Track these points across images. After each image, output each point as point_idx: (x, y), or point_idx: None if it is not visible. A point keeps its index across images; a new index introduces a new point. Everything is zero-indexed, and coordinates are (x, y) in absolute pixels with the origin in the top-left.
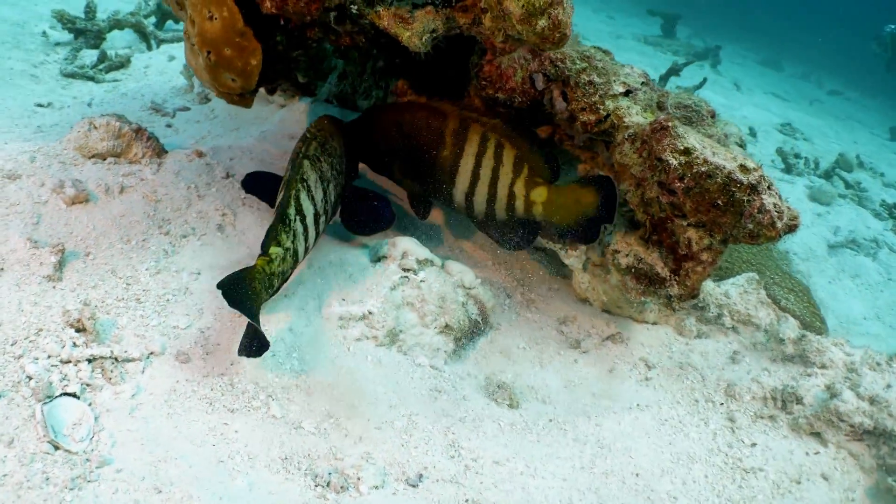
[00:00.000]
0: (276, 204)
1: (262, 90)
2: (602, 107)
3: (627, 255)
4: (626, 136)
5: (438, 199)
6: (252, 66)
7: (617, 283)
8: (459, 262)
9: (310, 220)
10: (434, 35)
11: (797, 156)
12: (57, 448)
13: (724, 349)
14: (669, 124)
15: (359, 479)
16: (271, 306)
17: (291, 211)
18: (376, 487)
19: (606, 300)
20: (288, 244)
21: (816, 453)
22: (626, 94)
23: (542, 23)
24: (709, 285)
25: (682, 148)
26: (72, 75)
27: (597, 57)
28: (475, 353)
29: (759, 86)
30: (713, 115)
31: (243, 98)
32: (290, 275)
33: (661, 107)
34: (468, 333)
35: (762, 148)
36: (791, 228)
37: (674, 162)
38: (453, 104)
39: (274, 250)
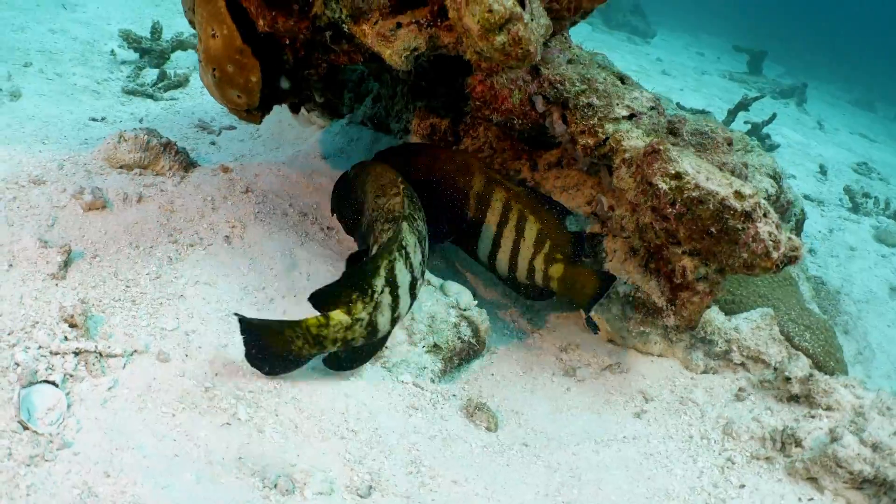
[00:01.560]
0: (360, 265)
1: (285, 109)
2: (601, 130)
3: (625, 284)
4: (624, 160)
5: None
6: (252, 82)
7: (618, 313)
8: (461, 283)
9: (404, 289)
10: (416, 53)
11: (866, 195)
12: (25, 428)
13: (730, 386)
14: (661, 147)
15: (305, 484)
16: (251, 313)
17: (378, 282)
18: (321, 494)
19: (610, 329)
20: (362, 315)
21: (810, 500)
22: (630, 117)
23: (501, 39)
24: (718, 319)
25: (672, 172)
26: (132, 92)
27: (598, 79)
28: (466, 375)
29: (847, 125)
30: (730, 143)
31: (251, 114)
32: (368, 344)
33: (675, 132)
34: (460, 355)
35: (832, 186)
36: (791, 260)
37: (664, 186)
38: (476, 157)
39: (337, 316)
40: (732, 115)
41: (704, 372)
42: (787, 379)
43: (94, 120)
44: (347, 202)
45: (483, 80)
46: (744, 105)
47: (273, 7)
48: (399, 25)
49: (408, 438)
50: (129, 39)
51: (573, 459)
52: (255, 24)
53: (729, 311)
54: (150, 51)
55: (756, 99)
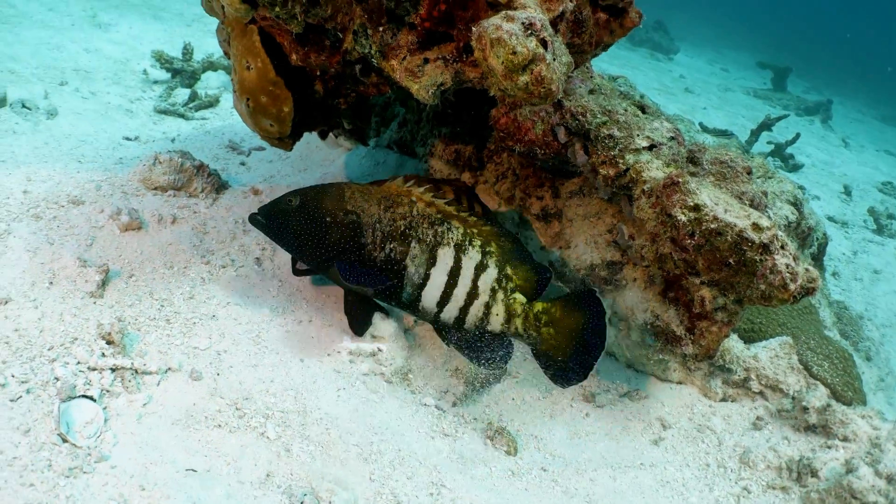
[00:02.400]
0: (514, 248)
1: (314, 135)
2: (622, 161)
3: (645, 311)
4: (643, 191)
5: None
6: (285, 112)
7: (637, 339)
8: None
9: None
10: (442, 88)
11: (891, 216)
12: (65, 441)
13: (748, 414)
14: (680, 180)
15: (330, 502)
16: (280, 334)
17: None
18: None
19: (630, 356)
20: None
21: None
22: (650, 148)
23: (524, 79)
24: (737, 347)
25: (691, 204)
26: (164, 112)
27: (619, 110)
28: (487, 399)
29: (874, 142)
30: (749, 172)
31: (282, 142)
32: None
33: (695, 161)
34: (481, 378)
35: (856, 207)
36: (808, 291)
37: (683, 218)
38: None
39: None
40: (755, 135)
41: (723, 400)
42: (805, 409)
43: (127, 139)
44: (315, 236)
45: (507, 113)
46: (766, 125)
47: (305, 43)
48: (426, 61)
49: (430, 460)
50: (162, 59)
51: (590, 485)
52: (288, 57)
53: (748, 340)
54: (182, 71)
55: (779, 119)
